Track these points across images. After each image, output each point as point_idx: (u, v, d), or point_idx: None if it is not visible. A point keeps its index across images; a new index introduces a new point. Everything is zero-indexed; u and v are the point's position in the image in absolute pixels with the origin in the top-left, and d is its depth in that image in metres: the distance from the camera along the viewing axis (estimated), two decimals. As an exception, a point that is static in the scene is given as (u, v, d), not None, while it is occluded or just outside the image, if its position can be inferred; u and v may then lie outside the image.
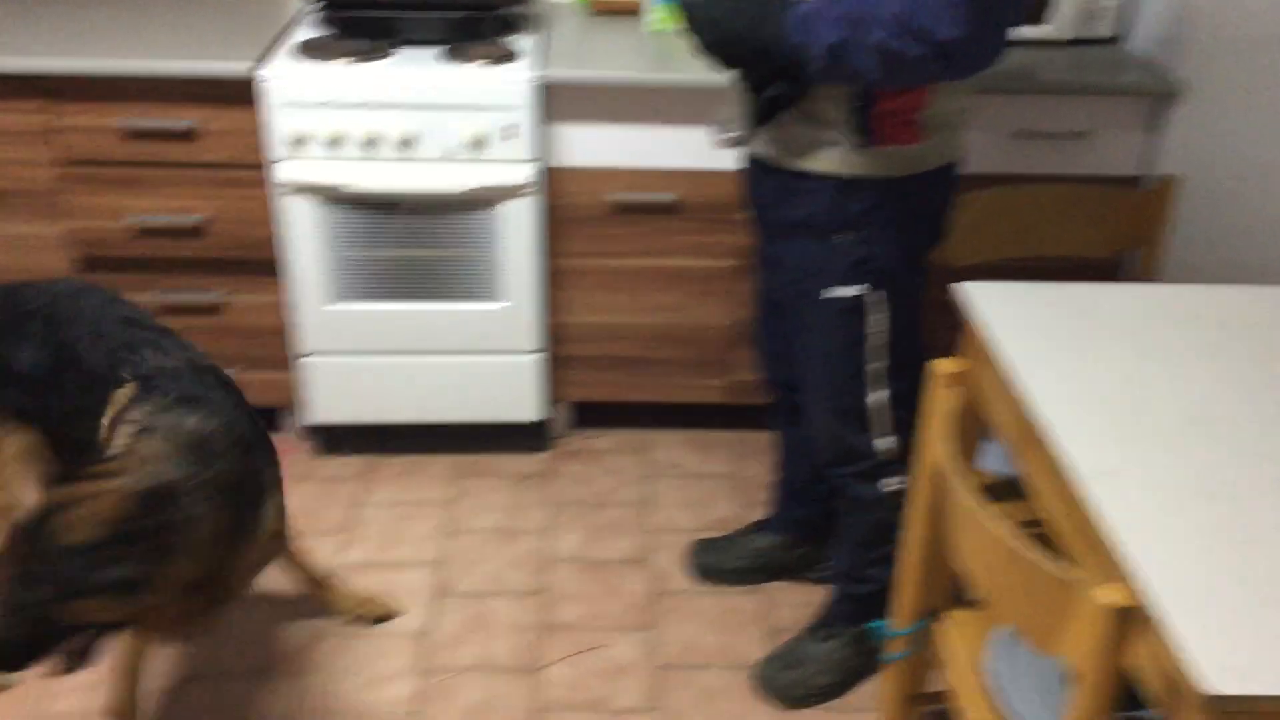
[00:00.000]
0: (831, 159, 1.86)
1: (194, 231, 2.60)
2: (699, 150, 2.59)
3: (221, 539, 1.67)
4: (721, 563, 2.49)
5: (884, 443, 2.05)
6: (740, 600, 2.46)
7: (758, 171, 2.02)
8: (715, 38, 1.79)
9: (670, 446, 2.97)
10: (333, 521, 2.65)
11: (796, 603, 2.44)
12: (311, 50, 2.55)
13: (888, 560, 2.15)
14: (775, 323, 2.19)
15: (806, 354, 2.06)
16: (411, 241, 2.61)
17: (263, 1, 2.92)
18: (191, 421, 1.70)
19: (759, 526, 2.52)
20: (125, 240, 2.60)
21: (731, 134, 2.01)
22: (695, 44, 1.82)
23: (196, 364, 1.89)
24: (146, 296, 2.66)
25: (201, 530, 1.63)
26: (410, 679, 2.23)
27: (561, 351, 2.81)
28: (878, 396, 2.02)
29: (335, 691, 2.20)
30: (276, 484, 1.89)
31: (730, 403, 2.92)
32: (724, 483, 2.83)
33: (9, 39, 2.54)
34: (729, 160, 2.59)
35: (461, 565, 2.53)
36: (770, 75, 1.79)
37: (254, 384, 2.76)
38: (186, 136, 2.51)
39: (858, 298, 1.94)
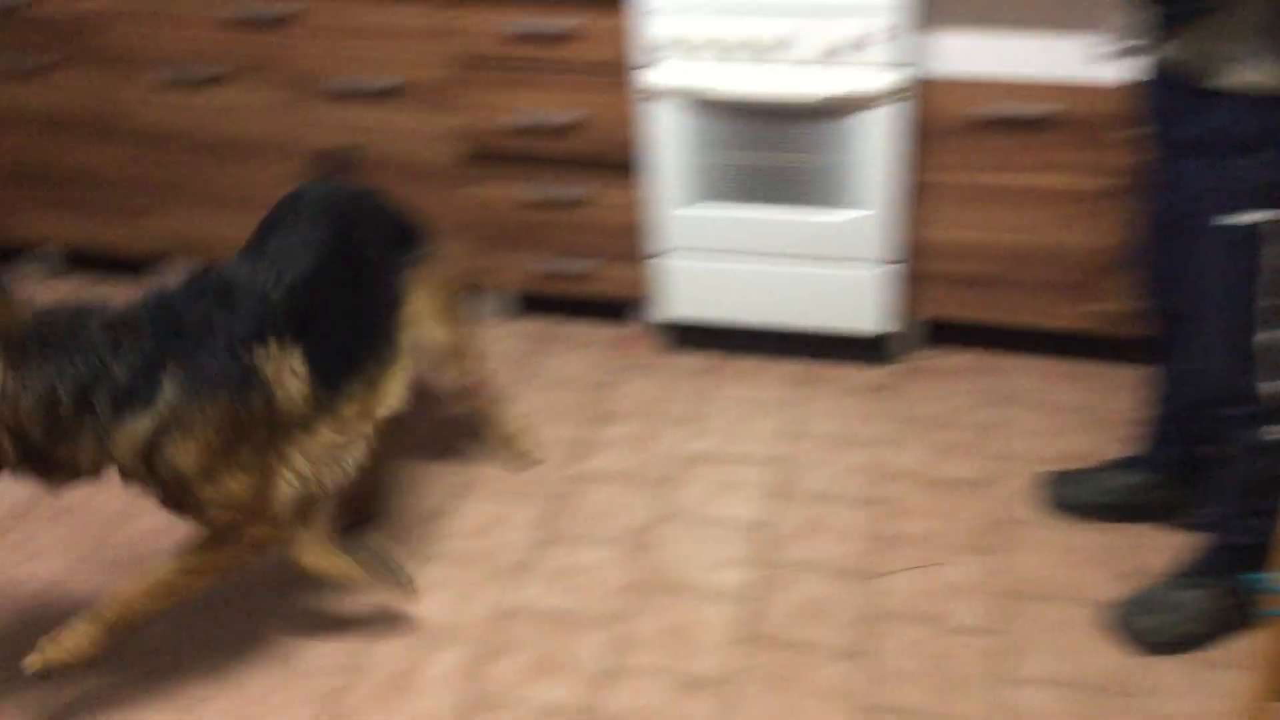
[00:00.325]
0: (1245, 71, 1.69)
1: (565, 130, 2.72)
2: (1083, 60, 2.43)
3: None
4: (1080, 496, 2.37)
5: (1271, 386, 1.88)
6: (1092, 537, 2.34)
7: (1156, 84, 1.88)
8: None
9: (1024, 373, 2.85)
10: (679, 413, 2.74)
11: (1158, 546, 2.29)
12: (694, -49, 2.58)
13: (1269, 512, 1.98)
14: (1162, 248, 2.04)
15: (1193, 283, 1.92)
16: (773, 146, 2.61)
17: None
18: None
19: (1124, 463, 2.38)
20: (504, 136, 2.76)
21: (1128, 43, 1.87)
22: None
23: None
24: (517, 191, 2.83)
25: None
26: (747, 568, 2.29)
27: (918, 267, 2.75)
28: (1269, 336, 1.85)
29: (677, 569, 2.29)
30: None
31: (1094, 332, 2.76)
32: (1080, 415, 2.69)
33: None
34: (1115, 72, 2.41)
35: (802, 467, 2.55)
36: None
37: (610, 278, 2.90)
38: (566, 39, 2.62)
39: (1256, 226, 1.78)
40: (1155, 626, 2.08)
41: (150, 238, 3.16)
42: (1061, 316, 2.75)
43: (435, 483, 2.55)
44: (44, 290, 3.29)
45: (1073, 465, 2.48)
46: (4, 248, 3.34)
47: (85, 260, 3.36)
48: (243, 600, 2.25)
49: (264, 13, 2.73)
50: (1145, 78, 1.92)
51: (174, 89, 2.90)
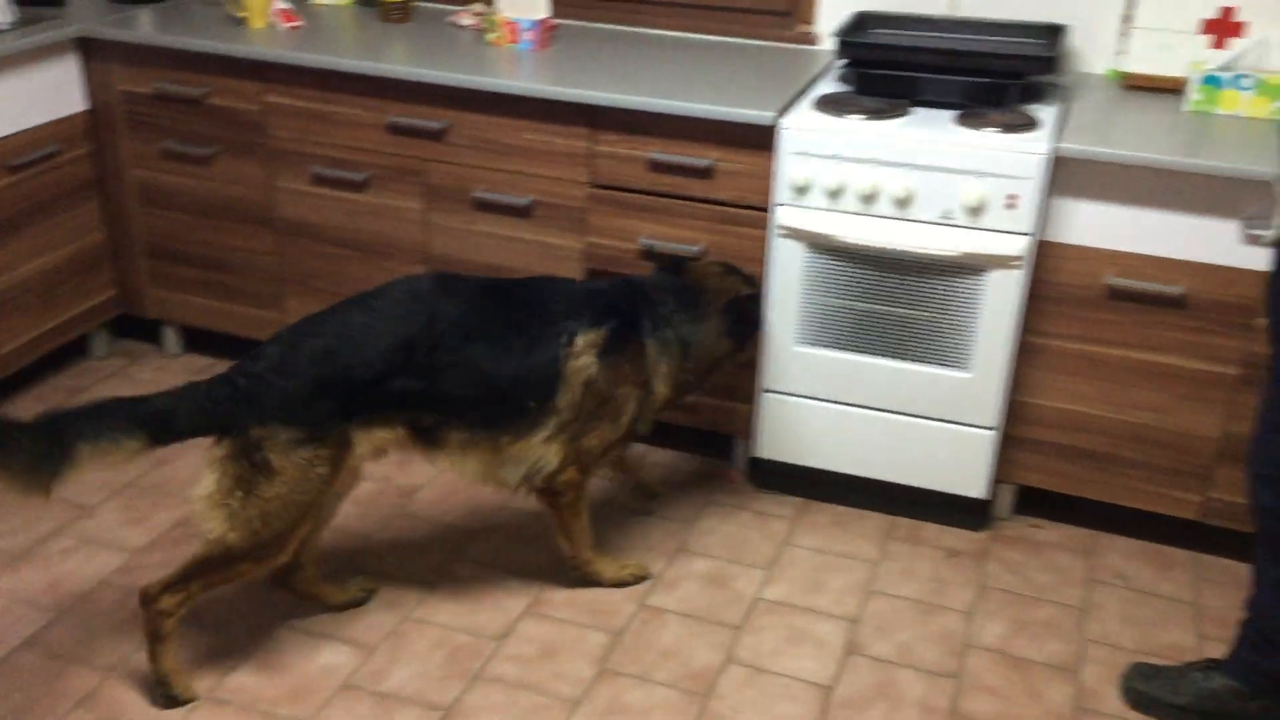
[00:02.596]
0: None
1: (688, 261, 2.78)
2: (1217, 244, 2.39)
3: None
4: (1163, 694, 2.25)
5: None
6: (1177, 743, 2.22)
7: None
8: None
9: (1122, 554, 2.74)
10: (759, 556, 2.71)
11: (1245, 763, 2.16)
12: (830, 104, 2.64)
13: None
14: (1278, 444, 1.96)
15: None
16: (889, 298, 2.62)
17: (795, 55, 3.07)
18: None
19: (1215, 665, 2.25)
20: (632, 260, 2.83)
21: (1265, 231, 1.82)
22: None
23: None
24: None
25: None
26: (809, 727, 2.24)
27: (1017, 431, 2.69)
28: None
29: (731, 718, 2.25)
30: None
31: (1201, 521, 2.64)
32: (1179, 607, 2.57)
33: (571, 73, 2.87)
34: (1251, 259, 2.36)
35: (876, 627, 2.49)
36: None
37: (715, 410, 2.91)
38: (704, 174, 2.69)
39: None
40: None
41: (270, 326, 3.29)
42: (1171, 502, 2.65)
43: (501, 598, 2.56)
44: (159, 369, 3.46)
45: (1162, 660, 2.37)
46: (132, 320, 3.51)
47: (201, 343, 3.52)
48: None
49: (418, 123, 2.89)
50: (1275, 264, 1.87)
51: (324, 185, 3.07)
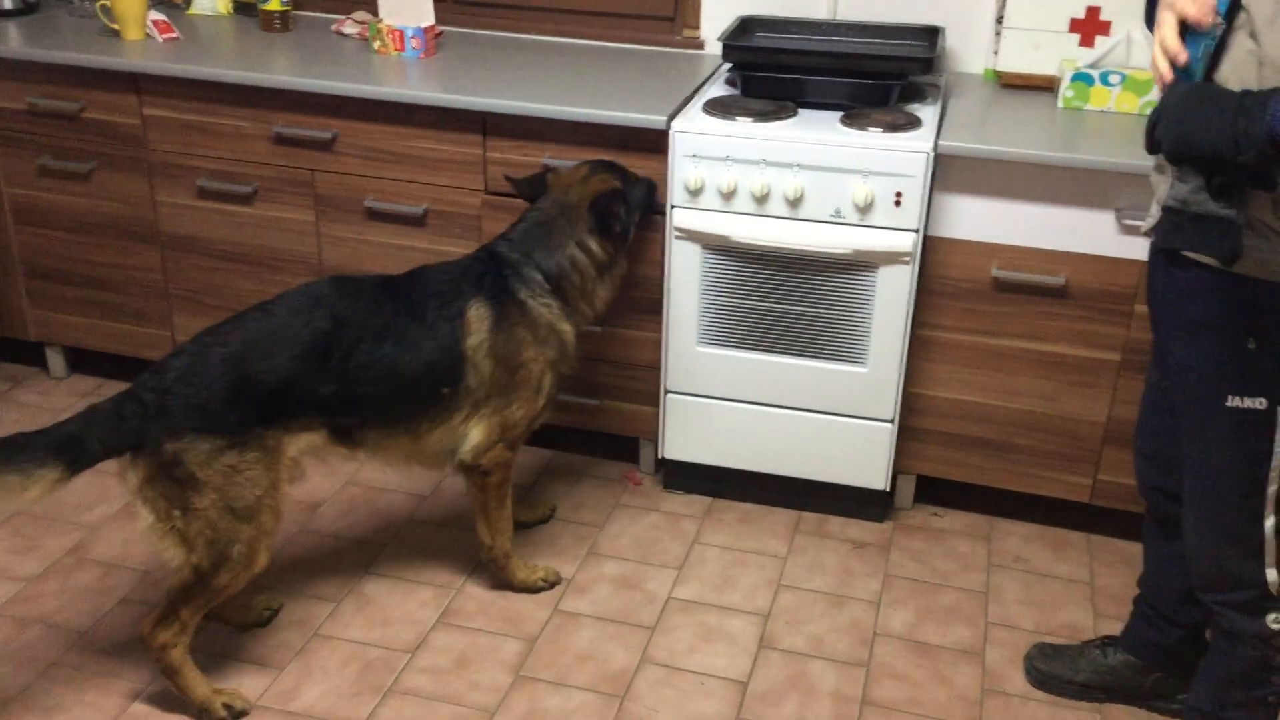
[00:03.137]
0: (1257, 260, 1.71)
1: (586, 263, 2.78)
2: (1095, 235, 2.48)
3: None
4: (1063, 672, 2.34)
5: (1275, 573, 1.87)
6: (1079, 716, 2.30)
7: (1164, 263, 1.90)
8: (1175, 146, 1.68)
9: (1020, 538, 2.83)
10: (670, 556, 2.73)
11: (1141, 732, 2.25)
12: (719, 107, 2.67)
13: (1260, 704, 1.95)
14: (1163, 425, 2.05)
15: (1197, 465, 1.91)
16: (786, 297, 2.66)
17: (681, 60, 3.10)
18: None
19: (1111, 641, 2.35)
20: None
21: (1141, 221, 1.90)
22: (1156, 142, 1.71)
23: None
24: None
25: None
26: (725, 723, 2.26)
27: (913, 422, 2.76)
28: (1275, 521, 1.85)
29: (648, 718, 2.26)
30: None
31: (1093, 503, 2.75)
32: (1075, 587, 2.66)
33: (462, 80, 2.85)
34: (1129, 248, 2.46)
35: (787, 621, 2.53)
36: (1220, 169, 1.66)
37: (619, 413, 2.92)
38: (594, 176, 2.70)
39: (1268, 410, 1.78)
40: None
41: (160, 345, 3.21)
42: (1064, 486, 2.75)
43: (412, 609, 2.53)
44: (44, 392, 3.34)
45: (1063, 639, 2.45)
46: (13, 343, 3.39)
47: (87, 364, 3.42)
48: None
49: (305, 133, 2.84)
50: (1154, 254, 1.95)
51: (209, 199, 2.99)
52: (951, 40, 3.00)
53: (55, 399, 3.28)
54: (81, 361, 3.41)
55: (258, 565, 2.17)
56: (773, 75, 2.75)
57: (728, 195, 2.60)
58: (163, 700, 2.25)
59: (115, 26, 3.06)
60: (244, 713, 2.23)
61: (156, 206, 3.05)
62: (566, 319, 2.44)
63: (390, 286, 2.35)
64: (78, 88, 2.97)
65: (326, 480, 2.94)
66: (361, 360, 2.22)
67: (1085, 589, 2.66)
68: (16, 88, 3.01)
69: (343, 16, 3.26)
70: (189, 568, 2.10)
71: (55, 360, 3.40)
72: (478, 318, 2.32)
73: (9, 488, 1.95)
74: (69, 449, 2.00)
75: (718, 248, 2.65)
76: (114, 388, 3.31)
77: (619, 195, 2.48)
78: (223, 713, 2.20)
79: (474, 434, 2.37)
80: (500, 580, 2.57)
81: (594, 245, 2.46)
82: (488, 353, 2.32)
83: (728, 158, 2.57)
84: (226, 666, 2.34)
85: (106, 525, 2.76)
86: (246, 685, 2.30)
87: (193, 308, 3.13)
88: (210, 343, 2.16)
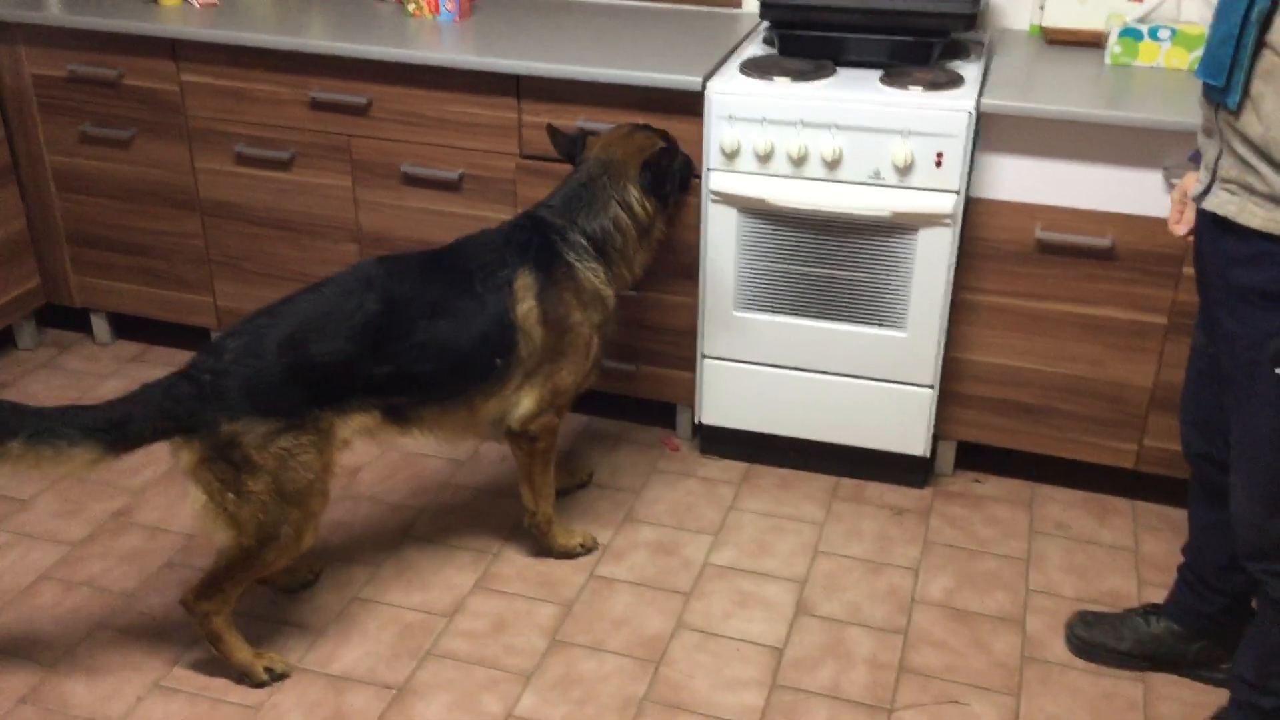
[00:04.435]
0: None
1: (623, 227, 2.76)
2: (1142, 195, 2.42)
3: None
4: (1105, 640, 2.30)
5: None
6: (1121, 685, 2.27)
7: (1208, 228, 1.85)
8: None
9: (1062, 505, 2.79)
10: (707, 521, 2.72)
11: (1185, 700, 2.22)
12: (756, 67, 2.63)
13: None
14: (1210, 391, 2.00)
15: (1244, 432, 1.87)
16: (823, 260, 2.63)
17: (718, 19, 3.06)
18: None
19: (1155, 609, 2.31)
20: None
21: (1199, 188, 1.85)
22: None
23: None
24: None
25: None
26: (757, 690, 2.25)
27: (955, 388, 2.72)
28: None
29: (687, 686, 2.26)
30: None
31: (1138, 470, 2.70)
32: (1119, 554, 2.62)
33: (496, 43, 2.82)
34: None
35: (824, 587, 2.52)
36: None
37: (656, 379, 2.91)
38: (631, 139, 2.67)
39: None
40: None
41: (202, 311, 3.25)
42: (1108, 452, 2.70)
43: (450, 574, 2.55)
44: (90, 358, 3.39)
45: (1106, 607, 2.42)
46: (59, 309, 3.44)
47: (130, 329, 3.46)
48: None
49: (341, 98, 2.83)
50: (1201, 219, 1.89)
51: (248, 165, 3.00)
52: (996, -5, 2.93)
53: (100, 364, 3.33)
54: (125, 327, 3.45)
55: (304, 545, 2.19)
56: (811, 34, 2.69)
57: (764, 157, 2.56)
58: (205, 663, 2.28)
59: (153, -7, 3.07)
60: (284, 675, 2.26)
61: (196, 173, 3.06)
62: (609, 283, 2.43)
63: (437, 261, 2.34)
64: (117, 54, 2.98)
65: (366, 446, 2.96)
66: (416, 339, 2.21)
67: (1129, 556, 2.62)
68: (57, 55, 3.03)
69: (378, -21, 3.24)
70: (237, 548, 2.12)
71: (100, 326, 3.44)
72: (525, 285, 2.30)
73: (43, 461, 1.97)
74: (111, 430, 2.01)
75: (754, 211, 2.62)
76: (157, 353, 3.38)
77: (670, 153, 2.46)
78: (264, 675, 2.24)
79: (525, 401, 2.37)
80: (541, 545, 2.58)
81: (637, 205, 2.43)
82: (538, 319, 2.31)
83: (764, 119, 2.53)
84: (267, 629, 2.37)
85: (151, 489, 2.81)
86: (287, 648, 2.33)
87: (233, 273, 3.16)
88: (266, 324, 2.15)
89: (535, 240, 2.36)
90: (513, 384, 2.34)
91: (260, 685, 2.24)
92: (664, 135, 2.53)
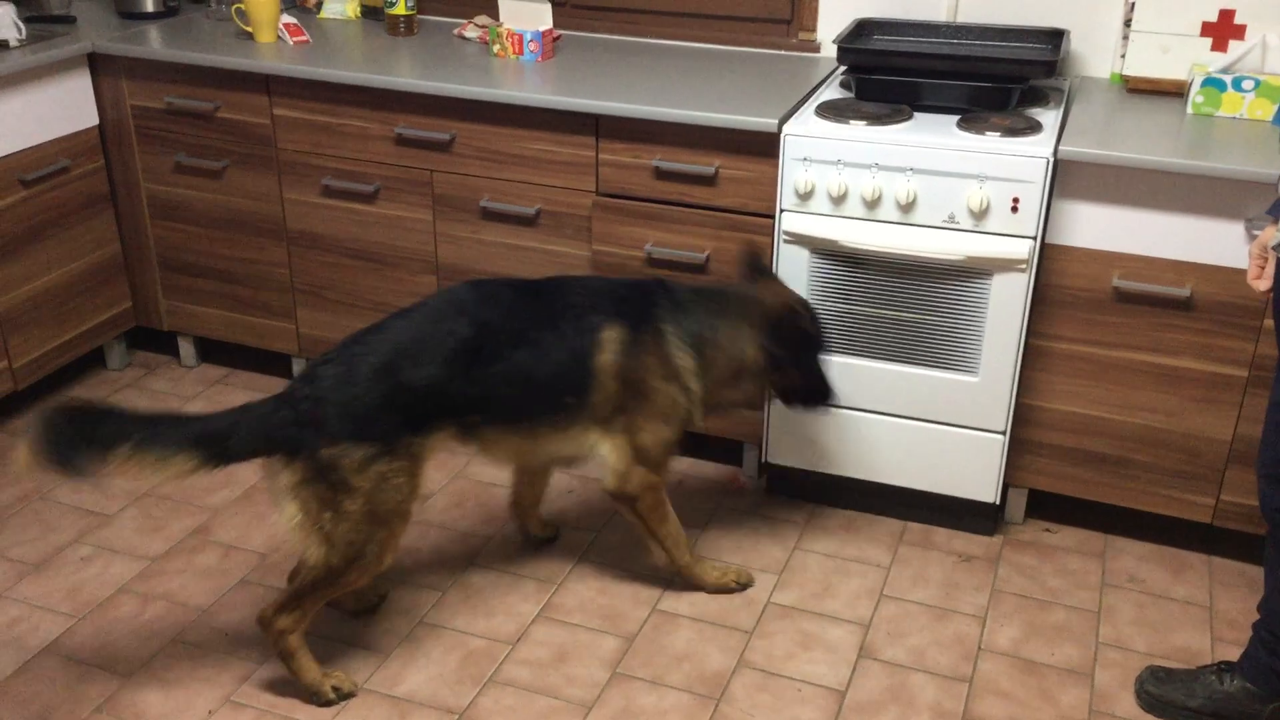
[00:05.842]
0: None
1: (695, 268, 2.80)
2: (1223, 245, 2.39)
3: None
4: (1177, 697, 2.25)
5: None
6: (1190, 744, 2.22)
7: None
8: None
9: (1135, 558, 2.74)
10: (771, 560, 2.72)
11: (1258, 763, 2.16)
12: (832, 110, 2.65)
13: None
14: (1285, 447, 1.96)
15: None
16: (895, 303, 2.63)
17: (796, 63, 3.09)
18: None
19: (1229, 667, 2.25)
20: (636, 268, 2.85)
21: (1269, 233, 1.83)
22: None
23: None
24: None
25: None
26: (821, 731, 2.24)
27: (1027, 435, 2.70)
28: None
29: (748, 723, 2.26)
30: None
31: (1214, 524, 2.64)
32: (1192, 610, 2.57)
33: (576, 83, 2.89)
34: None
35: (888, 632, 2.50)
36: None
37: (724, 417, 2.92)
38: (708, 181, 2.71)
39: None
40: None
41: (284, 337, 3.34)
42: (1183, 505, 2.65)
43: (514, 602, 2.58)
44: (175, 380, 3.49)
45: (1178, 664, 2.37)
46: (148, 331, 3.55)
47: (215, 353, 3.56)
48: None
49: (425, 134, 2.91)
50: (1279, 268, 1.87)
51: (334, 197, 3.10)
52: (1077, 44, 2.92)
53: (184, 386, 3.43)
54: (210, 351, 3.56)
55: (384, 565, 2.24)
56: (888, 78, 2.71)
57: (838, 199, 2.58)
58: (274, 681, 2.33)
59: (249, 29, 3.19)
60: (350, 695, 2.30)
61: (284, 203, 3.16)
62: (695, 376, 2.41)
63: (529, 291, 2.38)
64: (213, 88, 3.10)
65: (437, 472, 3.01)
66: (501, 365, 2.26)
67: (1203, 612, 2.56)
68: (156, 87, 3.16)
69: (465, 21, 3.33)
70: (325, 567, 2.18)
71: (186, 349, 3.55)
72: (612, 338, 2.32)
73: (146, 466, 2.04)
74: (211, 444, 2.09)
75: (826, 252, 2.63)
76: (240, 377, 3.48)
77: (798, 322, 2.46)
78: (331, 695, 2.28)
79: (605, 454, 2.39)
80: (692, 585, 2.59)
81: (746, 342, 2.43)
82: (615, 373, 2.33)
83: (839, 161, 2.55)
84: (336, 649, 2.42)
85: (229, 509, 2.88)
86: (354, 669, 2.37)
87: (315, 302, 3.25)
88: (360, 352, 2.22)
89: (639, 301, 2.39)
90: (579, 426, 2.36)
91: (327, 704, 2.28)
92: (806, 305, 2.53)
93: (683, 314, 2.41)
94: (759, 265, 2.54)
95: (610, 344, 2.33)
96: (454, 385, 2.22)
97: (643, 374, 2.36)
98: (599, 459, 2.41)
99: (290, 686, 2.30)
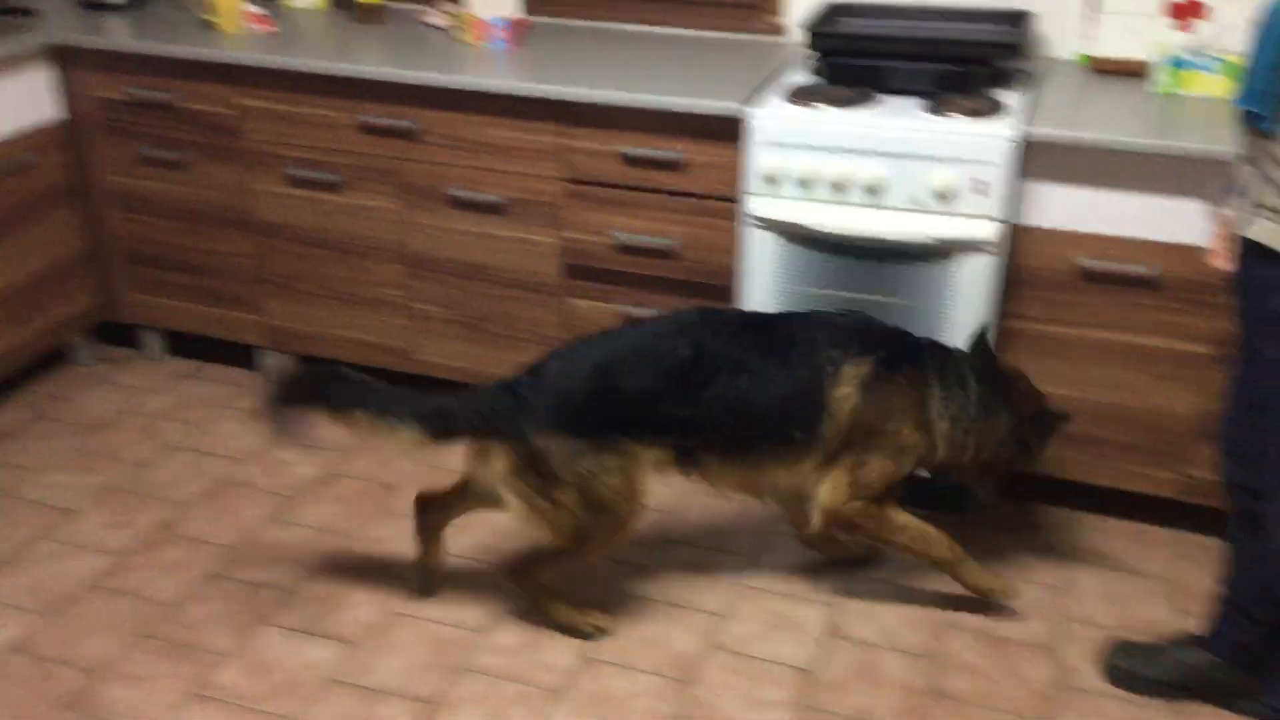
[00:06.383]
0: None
1: (664, 254, 2.80)
2: (1187, 224, 2.40)
3: None
4: (1143, 670, 2.28)
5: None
6: (1154, 714, 2.24)
7: (1250, 256, 1.84)
8: None
9: (1100, 533, 2.76)
10: (741, 542, 2.73)
11: (1221, 734, 2.18)
12: (799, 94, 2.66)
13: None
14: (1249, 420, 1.99)
15: (1278, 461, 1.84)
16: (863, 286, 2.64)
17: (763, 47, 3.09)
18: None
19: (1193, 640, 2.28)
20: (605, 254, 2.85)
21: (1225, 209, 1.84)
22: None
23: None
24: (613, 307, 2.90)
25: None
26: (789, 712, 2.25)
27: (999, 417, 2.71)
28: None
29: (714, 703, 2.27)
30: None
31: (1180, 499, 2.67)
32: (1157, 584, 2.59)
33: (541, 70, 2.88)
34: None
35: (857, 611, 2.51)
36: None
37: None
38: (674, 166, 2.71)
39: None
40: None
41: (252, 329, 3.32)
42: (1148, 481, 2.68)
43: (484, 591, 2.57)
44: (143, 374, 3.46)
45: (1143, 637, 2.39)
46: (114, 325, 3.51)
47: (184, 347, 3.52)
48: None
49: (390, 123, 2.90)
50: (1242, 247, 1.89)
51: (300, 187, 3.08)
52: (1042, 25, 2.93)
53: (153, 380, 3.41)
54: (180, 345, 3.53)
55: (618, 546, 2.37)
56: (855, 62, 2.72)
57: (806, 183, 2.58)
58: (243, 673, 2.32)
59: (213, 19, 3.16)
60: (606, 630, 2.44)
61: (250, 194, 3.14)
62: (945, 439, 2.36)
63: (757, 324, 2.39)
64: (177, 79, 3.08)
65: (403, 464, 3.00)
66: (715, 390, 2.27)
67: (1168, 586, 2.58)
68: (119, 79, 3.14)
69: (431, 8, 3.31)
70: (558, 547, 2.29)
71: (153, 343, 3.53)
72: (855, 375, 2.28)
73: (378, 433, 2.22)
74: (437, 420, 2.23)
75: (795, 236, 2.63)
76: (210, 370, 3.45)
77: (1054, 421, 2.48)
78: (594, 628, 2.43)
79: (827, 487, 2.34)
80: (963, 585, 2.50)
81: (1003, 421, 2.38)
82: (851, 409, 2.28)
83: (806, 145, 2.56)
84: (304, 640, 2.40)
85: (195, 503, 2.86)
86: (324, 659, 2.36)
87: (284, 293, 3.23)
88: (584, 350, 2.31)
89: (899, 347, 2.35)
90: (811, 462, 2.33)
91: (592, 638, 2.42)
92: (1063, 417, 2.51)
93: (960, 381, 2.35)
94: (986, 347, 2.45)
95: (851, 380, 2.28)
96: (665, 402, 2.25)
97: (882, 412, 2.30)
98: (810, 496, 2.37)
99: (260, 676, 2.29)
